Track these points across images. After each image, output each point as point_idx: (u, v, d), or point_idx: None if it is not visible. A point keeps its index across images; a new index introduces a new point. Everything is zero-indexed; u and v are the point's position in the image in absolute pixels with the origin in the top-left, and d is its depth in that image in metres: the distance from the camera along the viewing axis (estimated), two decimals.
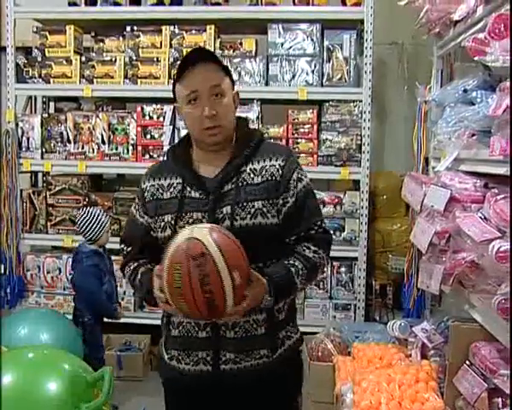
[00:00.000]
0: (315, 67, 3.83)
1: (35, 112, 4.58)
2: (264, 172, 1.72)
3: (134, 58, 3.98)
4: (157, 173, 1.82)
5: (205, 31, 3.92)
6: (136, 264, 1.81)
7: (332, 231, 3.56)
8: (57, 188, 4.12)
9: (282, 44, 3.87)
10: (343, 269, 3.91)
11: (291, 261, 1.70)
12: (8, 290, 4.04)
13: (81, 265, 3.40)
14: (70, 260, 3.90)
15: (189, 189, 1.73)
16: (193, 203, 1.71)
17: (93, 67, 4.00)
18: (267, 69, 3.87)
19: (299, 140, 3.85)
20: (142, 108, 3.96)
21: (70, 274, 3.93)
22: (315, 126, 3.85)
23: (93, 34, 4.19)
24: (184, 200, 1.72)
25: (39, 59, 4.06)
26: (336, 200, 3.84)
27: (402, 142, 4.15)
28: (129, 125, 3.99)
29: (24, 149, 4.08)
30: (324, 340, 3.23)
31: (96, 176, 4.32)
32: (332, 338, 3.26)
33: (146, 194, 1.80)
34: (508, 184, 1.91)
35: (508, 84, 1.88)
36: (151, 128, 3.96)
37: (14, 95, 4.09)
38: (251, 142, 1.77)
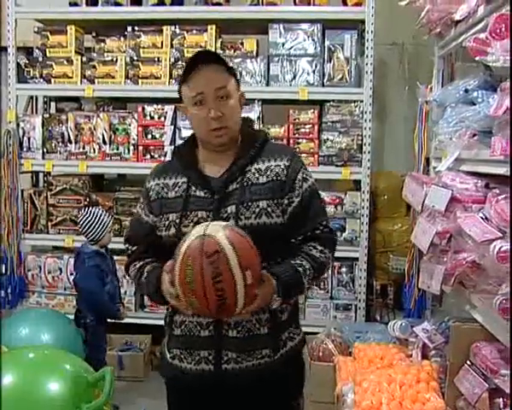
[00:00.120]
0: (316, 67, 3.83)
1: (36, 112, 4.59)
2: (269, 172, 1.73)
3: (135, 58, 3.98)
4: (162, 173, 1.83)
5: (206, 31, 3.92)
6: (141, 263, 1.82)
7: None
8: (58, 188, 4.13)
9: (283, 44, 3.87)
10: (344, 269, 3.91)
11: (298, 261, 1.70)
12: (9, 290, 4.04)
13: (83, 266, 3.39)
14: (71, 260, 3.91)
15: (194, 188, 1.74)
16: (198, 202, 1.72)
17: (94, 67, 4.01)
18: (268, 69, 3.87)
19: (300, 140, 3.85)
20: (143, 108, 3.97)
21: (71, 274, 3.94)
22: (316, 127, 3.85)
23: (94, 34, 4.20)
24: (189, 199, 1.73)
25: (40, 59, 4.07)
26: (337, 200, 3.84)
27: (403, 142, 4.15)
28: (130, 125, 4.00)
29: (25, 150, 4.08)
30: (325, 340, 3.23)
31: (96, 176, 4.33)
32: (333, 338, 3.27)
33: (151, 193, 1.81)
34: (508, 184, 1.90)
35: (509, 84, 1.88)
36: (152, 128, 3.96)
37: (16, 95, 4.09)
38: (256, 142, 1.78)
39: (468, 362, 2.26)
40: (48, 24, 4.14)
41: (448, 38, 2.85)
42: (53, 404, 2.04)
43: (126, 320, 3.60)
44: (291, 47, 3.87)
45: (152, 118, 3.97)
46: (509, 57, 1.86)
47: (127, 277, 3.85)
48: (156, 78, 3.94)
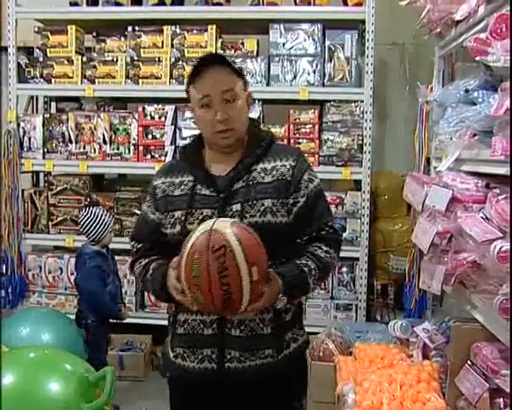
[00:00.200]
0: (316, 67, 3.83)
1: (36, 112, 4.59)
2: (274, 172, 1.74)
3: (135, 58, 3.98)
4: (169, 172, 1.85)
5: (206, 31, 3.92)
6: (147, 260, 1.83)
7: None
8: (59, 188, 4.13)
9: (284, 44, 3.87)
10: (344, 269, 3.91)
11: (303, 261, 1.71)
12: (10, 290, 4.04)
13: (84, 266, 3.39)
14: (71, 260, 3.91)
15: (199, 186, 1.75)
16: (203, 200, 1.73)
17: (94, 67, 4.01)
18: (268, 69, 3.87)
19: (301, 140, 3.85)
20: (144, 108, 3.97)
21: (71, 274, 3.94)
22: (316, 126, 3.85)
23: (94, 34, 4.19)
24: (195, 197, 1.74)
25: (41, 59, 4.07)
26: (338, 200, 3.84)
27: (403, 142, 4.14)
28: (130, 125, 4.00)
29: (25, 149, 4.09)
30: (326, 340, 3.23)
31: (97, 176, 4.33)
32: (333, 338, 3.26)
33: (157, 191, 1.83)
34: (509, 184, 1.90)
35: (509, 84, 1.88)
36: (152, 128, 3.96)
37: (16, 95, 4.10)
38: (262, 142, 1.79)
39: (469, 362, 2.26)
40: (48, 24, 4.14)
41: (448, 37, 2.85)
42: (53, 404, 2.04)
43: (127, 320, 3.60)
44: (291, 47, 3.87)
45: (152, 118, 3.97)
46: (509, 57, 1.86)
47: (128, 277, 3.94)
48: (157, 78, 3.94)
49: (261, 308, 1.60)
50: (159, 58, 3.95)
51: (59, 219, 4.12)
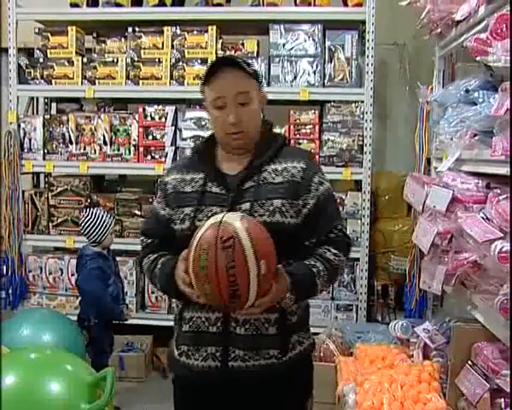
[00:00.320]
0: (316, 67, 3.84)
1: (37, 113, 4.59)
2: (285, 173, 1.75)
3: (136, 59, 3.98)
4: (180, 168, 1.86)
5: (206, 31, 3.92)
6: (156, 255, 1.84)
7: None
8: (59, 189, 4.13)
9: (284, 45, 3.87)
10: (345, 270, 3.90)
11: (312, 262, 1.71)
12: (11, 291, 4.05)
13: (85, 268, 3.37)
14: (72, 260, 3.91)
15: (210, 184, 1.77)
16: (213, 198, 1.74)
17: (95, 68, 4.01)
18: (269, 70, 3.87)
19: (301, 141, 3.85)
20: (144, 109, 3.97)
21: (72, 274, 3.94)
22: (317, 127, 3.85)
23: (95, 35, 4.19)
24: (205, 194, 1.75)
25: (41, 60, 4.07)
26: (338, 200, 3.82)
27: (403, 142, 4.15)
28: (131, 125, 4.00)
29: (26, 150, 4.09)
30: (326, 340, 3.23)
31: (97, 177, 4.33)
32: (334, 339, 3.26)
33: (168, 186, 1.84)
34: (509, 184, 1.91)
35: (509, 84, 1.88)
36: (153, 129, 3.96)
37: (16, 96, 4.09)
38: (274, 144, 1.81)
39: (470, 362, 2.26)
40: (48, 25, 4.15)
41: (449, 38, 2.85)
42: (54, 405, 2.04)
43: (127, 321, 3.60)
44: (292, 48, 3.87)
45: (153, 119, 3.97)
46: (509, 57, 1.86)
47: (128, 277, 3.94)
48: (157, 78, 3.94)
49: (268, 304, 1.59)
50: (159, 59, 3.95)
51: (59, 220, 4.12)
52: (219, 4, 3.97)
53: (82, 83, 4.02)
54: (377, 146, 4.36)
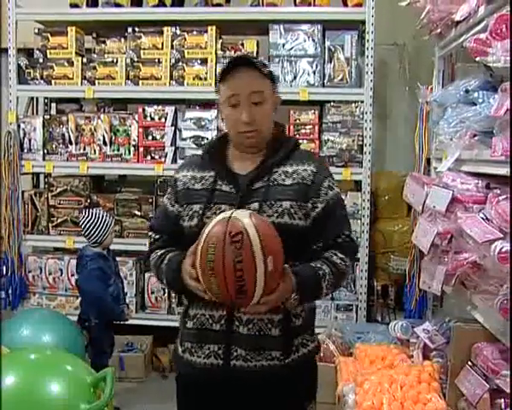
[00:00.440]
0: (316, 67, 3.84)
1: (37, 113, 4.59)
2: (295, 175, 1.76)
3: (135, 59, 3.98)
4: (191, 165, 1.88)
5: (206, 32, 3.92)
6: (163, 251, 1.84)
7: None
8: (59, 189, 4.13)
9: (284, 45, 3.87)
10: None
11: (318, 265, 1.71)
12: (10, 292, 4.04)
13: (85, 268, 3.37)
14: (72, 261, 3.91)
15: (220, 182, 1.78)
16: (222, 196, 1.75)
17: (94, 68, 4.01)
18: None
19: (301, 141, 3.84)
20: (144, 110, 3.97)
21: (72, 275, 3.94)
22: (316, 127, 3.85)
23: (94, 35, 4.19)
24: (215, 192, 1.76)
25: (41, 60, 4.07)
26: None
27: (403, 142, 4.14)
28: (130, 126, 4.00)
29: (25, 151, 4.08)
30: (326, 341, 3.23)
31: (97, 177, 4.32)
32: (334, 339, 3.26)
33: (178, 183, 1.86)
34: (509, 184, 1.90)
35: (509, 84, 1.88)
36: (153, 129, 3.96)
37: (16, 96, 4.09)
38: (286, 146, 1.82)
39: (470, 363, 2.26)
40: (48, 25, 4.14)
41: (448, 38, 2.85)
42: (54, 405, 2.04)
43: (128, 321, 3.60)
44: (291, 48, 3.87)
45: (152, 119, 3.97)
46: (509, 57, 1.86)
47: (128, 278, 3.94)
48: (157, 79, 3.94)
49: (274, 303, 1.60)
50: (159, 59, 3.95)
51: (59, 220, 4.12)
52: (219, 4, 3.97)
53: (82, 83, 4.01)
54: (377, 146, 4.35)
